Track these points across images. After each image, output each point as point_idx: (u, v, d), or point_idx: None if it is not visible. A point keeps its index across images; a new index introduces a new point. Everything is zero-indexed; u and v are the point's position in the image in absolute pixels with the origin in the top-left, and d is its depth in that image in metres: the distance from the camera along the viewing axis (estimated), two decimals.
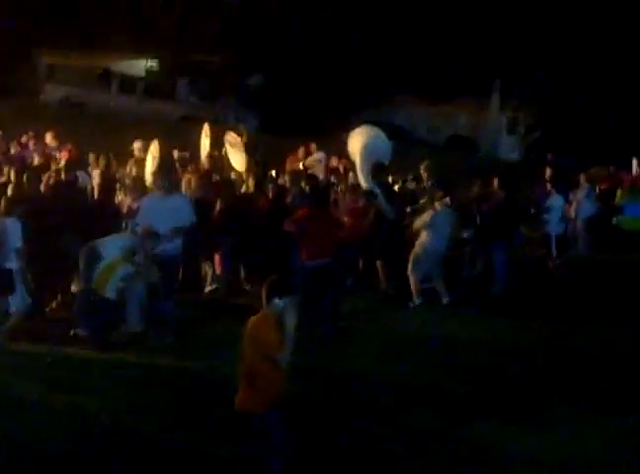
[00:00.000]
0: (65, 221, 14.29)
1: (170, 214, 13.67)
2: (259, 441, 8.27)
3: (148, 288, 13.74)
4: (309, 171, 20.80)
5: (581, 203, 21.79)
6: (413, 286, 16.38)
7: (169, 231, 13.57)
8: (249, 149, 19.73)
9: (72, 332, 13.51)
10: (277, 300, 8.07)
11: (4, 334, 13.10)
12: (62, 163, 18.75)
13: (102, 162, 19.85)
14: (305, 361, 12.93)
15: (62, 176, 16.47)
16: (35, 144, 22.52)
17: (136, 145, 20.62)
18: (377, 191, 17.19)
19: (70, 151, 21.35)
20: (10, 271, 12.93)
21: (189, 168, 19.61)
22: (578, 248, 21.81)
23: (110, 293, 13.16)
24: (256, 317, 8.22)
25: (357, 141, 18.31)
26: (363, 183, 17.52)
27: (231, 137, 19.68)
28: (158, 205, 13.85)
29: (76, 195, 15.90)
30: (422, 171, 19.35)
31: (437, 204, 16.34)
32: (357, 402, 11.47)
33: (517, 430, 10.72)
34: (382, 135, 18.85)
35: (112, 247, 13.25)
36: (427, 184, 18.77)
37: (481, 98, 44.35)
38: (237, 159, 19.37)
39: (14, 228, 12.94)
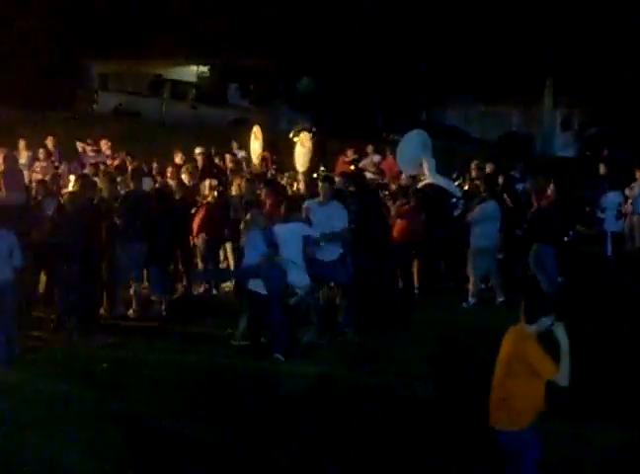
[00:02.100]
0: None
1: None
2: (513, 461, 8.13)
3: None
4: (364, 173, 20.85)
5: (637, 199, 21.40)
6: (471, 286, 16.30)
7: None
8: (317, 151, 19.91)
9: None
10: (544, 318, 7.99)
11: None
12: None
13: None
14: (356, 361, 13.05)
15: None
16: (93, 151, 22.72)
17: (198, 151, 20.74)
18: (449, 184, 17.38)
19: (122, 159, 21.49)
20: None
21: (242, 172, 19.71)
22: (635, 244, 21.44)
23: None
24: (519, 336, 8.13)
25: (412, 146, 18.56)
26: (432, 178, 17.68)
27: (304, 136, 19.88)
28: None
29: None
30: (472, 169, 19.25)
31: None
32: (404, 404, 11.41)
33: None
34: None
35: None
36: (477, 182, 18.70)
37: (534, 95, 43.98)
38: (301, 159, 19.57)
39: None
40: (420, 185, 18.05)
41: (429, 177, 17.92)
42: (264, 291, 13.19)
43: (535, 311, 8.02)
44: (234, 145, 23.55)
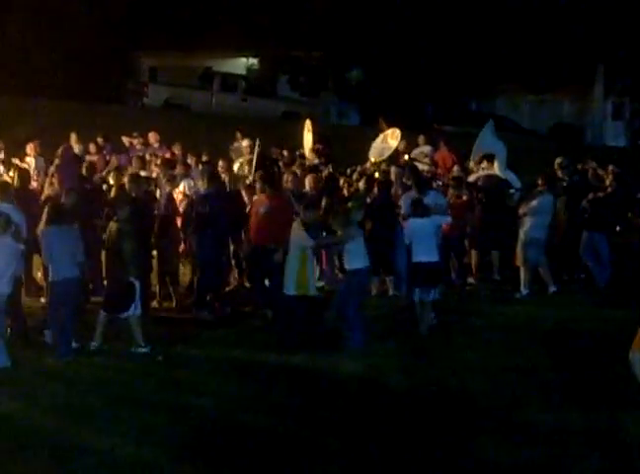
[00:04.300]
0: None
1: None
2: None
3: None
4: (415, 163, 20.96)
5: None
6: (523, 276, 16.28)
7: None
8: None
9: None
10: None
11: None
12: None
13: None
14: (410, 355, 13.04)
15: None
16: (141, 145, 22.83)
17: (245, 143, 20.84)
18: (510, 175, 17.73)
19: (172, 152, 21.63)
20: None
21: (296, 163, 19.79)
22: None
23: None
24: None
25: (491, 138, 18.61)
26: (502, 174, 17.70)
27: (392, 133, 20.28)
28: None
29: None
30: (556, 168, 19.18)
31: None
32: (463, 397, 11.39)
33: None
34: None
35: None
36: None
37: (585, 84, 43.64)
38: (381, 152, 19.90)
39: None
40: (473, 177, 18.06)
41: (495, 168, 17.94)
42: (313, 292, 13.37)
43: None
44: (238, 135, 23.53)
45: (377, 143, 20.57)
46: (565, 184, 17.77)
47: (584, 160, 20.71)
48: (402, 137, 21.02)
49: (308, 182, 17.04)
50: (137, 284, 13.04)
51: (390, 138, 20.52)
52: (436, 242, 14.04)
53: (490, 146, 18.52)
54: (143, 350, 12.94)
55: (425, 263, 13.79)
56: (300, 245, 13.28)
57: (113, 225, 13.14)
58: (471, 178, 18.10)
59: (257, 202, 15.42)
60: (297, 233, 13.40)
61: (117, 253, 12.99)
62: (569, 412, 10.78)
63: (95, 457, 9.44)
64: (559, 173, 18.57)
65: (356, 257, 13.36)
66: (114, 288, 13.27)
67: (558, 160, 18.93)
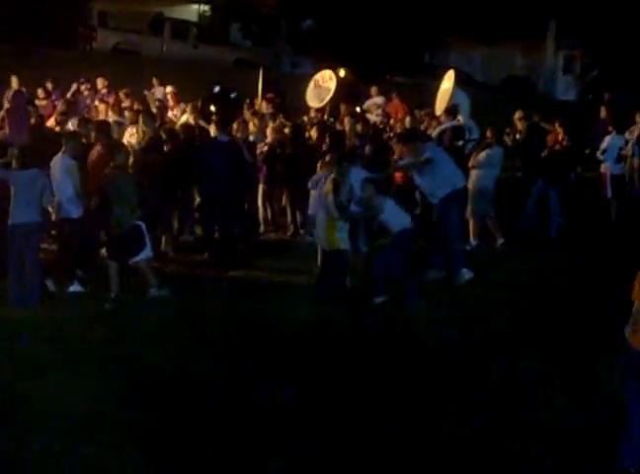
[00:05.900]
0: None
1: None
2: None
3: None
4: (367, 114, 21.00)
5: (637, 142, 21.26)
6: (473, 227, 16.37)
7: None
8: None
9: None
10: None
11: None
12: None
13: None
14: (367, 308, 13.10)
15: None
16: (88, 90, 22.58)
17: (169, 90, 20.73)
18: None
19: (117, 96, 21.38)
20: None
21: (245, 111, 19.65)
22: (634, 188, 21.35)
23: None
24: None
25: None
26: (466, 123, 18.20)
27: (320, 76, 20.12)
28: None
29: None
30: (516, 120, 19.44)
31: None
32: (421, 351, 11.46)
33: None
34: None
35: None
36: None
37: (537, 37, 43.73)
38: (315, 97, 19.87)
39: None
40: (438, 129, 17.90)
41: (460, 119, 18.03)
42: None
43: None
44: (155, 81, 23.40)
45: (311, 89, 20.50)
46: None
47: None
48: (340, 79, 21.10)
49: (269, 132, 16.97)
50: (143, 226, 12.93)
51: (324, 81, 20.42)
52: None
53: (458, 97, 18.66)
54: (163, 291, 13.08)
55: None
56: (328, 208, 13.08)
57: (111, 172, 12.98)
58: (436, 130, 17.93)
59: None
60: (327, 195, 13.16)
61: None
62: (522, 359, 10.95)
63: (40, 408, 9.39)
64: (519, 125, 18.96)
65: (397, 218, 13.28)
66: (118, 235, 13.05)
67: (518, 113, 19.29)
